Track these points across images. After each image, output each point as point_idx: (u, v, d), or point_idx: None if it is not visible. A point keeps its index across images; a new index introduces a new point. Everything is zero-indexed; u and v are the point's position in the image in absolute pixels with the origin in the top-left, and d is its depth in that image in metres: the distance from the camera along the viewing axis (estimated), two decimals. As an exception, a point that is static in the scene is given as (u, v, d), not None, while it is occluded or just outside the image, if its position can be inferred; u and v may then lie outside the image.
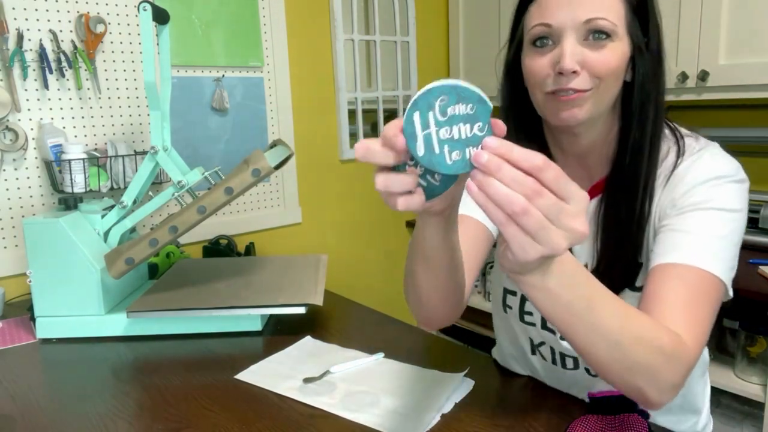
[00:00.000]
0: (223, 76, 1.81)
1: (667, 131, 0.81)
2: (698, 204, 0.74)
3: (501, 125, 0.48)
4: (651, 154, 0.78)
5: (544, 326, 0.91)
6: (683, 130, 0.83)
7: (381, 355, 1.07)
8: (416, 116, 0.47)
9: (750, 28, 1.55)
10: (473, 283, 0.87)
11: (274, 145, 1.26)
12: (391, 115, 2.32)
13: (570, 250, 0.80)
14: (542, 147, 0.86)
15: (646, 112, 0.77)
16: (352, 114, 2.16)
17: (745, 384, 1.59)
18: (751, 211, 1.71)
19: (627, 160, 0.79)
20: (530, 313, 0.92)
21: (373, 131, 2.27)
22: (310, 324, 1.24)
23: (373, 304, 1.39)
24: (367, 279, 2.28)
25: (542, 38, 0.75)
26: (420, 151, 0.48)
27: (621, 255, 0.80)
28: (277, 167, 1.19)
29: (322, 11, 2.05)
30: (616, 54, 0.73)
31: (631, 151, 0.78)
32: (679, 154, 0.79)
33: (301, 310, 1.17)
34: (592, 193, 0.84)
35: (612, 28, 0.72)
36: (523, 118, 0.85)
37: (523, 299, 0.93)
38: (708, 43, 1.62)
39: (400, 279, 2.71)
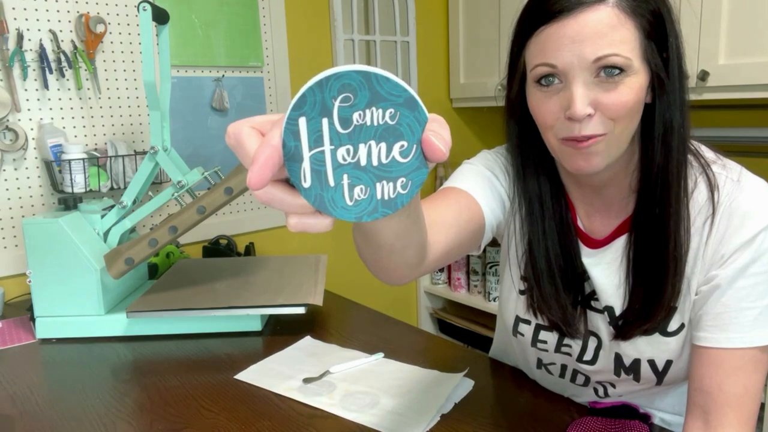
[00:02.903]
0: (223, 76, 1.81)
1: (690, 157, 0.73)
2: (751, 268, 0.67)
3: (438, 152, 0.32)
4: (679, 185, 0.70)
5: (557, 350, 0.85)
6: (707, 154, 0.75)
7: (381, 355, 1.07)
8: (302, 123, 0.30)
9: (750, 28, 1.55)
10: (445, 248, 0.71)
11: (274, 145, 1.25)
12: (391, 115, 2.32)
13: (594, 293, 0.79)
14: (554, 179, 0.79)
15: (669, 140, 0.70)
16: (352, 114, 2.16)
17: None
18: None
19: (654, 192, 0.71)
20: (544, 341, 0.86)
21: (373, 131, 2.27)
22: (310, 324, 1.24)
23: (373, 304, 1.39)
24: (367, 279, 2.28)
25: (548, 76, 0.67)
26: (305, 181, 0.31)
27: (655, 299, 0.73)
28: (277, 167, 1.19)
29: (322, 11, 2.05)
30: (632, 90, 0.65)
31: (657, 183, 0.70)
32: (712, 187, 0.70)
33: (301, 310, 1.17)
34: (619, 231, 0.77)
35: (626, 63, 0.64)
36: (533, 152, 0.77)
37: (538, 328, 0.85)
38: (708, 43, 1.62)
39: (400, 279, 2.64)
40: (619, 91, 0.64)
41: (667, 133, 0.69)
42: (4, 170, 1.47)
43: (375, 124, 0.30)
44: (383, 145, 0.30)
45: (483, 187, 0.81)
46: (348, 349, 1.11)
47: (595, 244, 0.78)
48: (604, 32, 0.63)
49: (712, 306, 0.69)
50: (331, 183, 0.31)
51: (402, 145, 0.30)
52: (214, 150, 1.83)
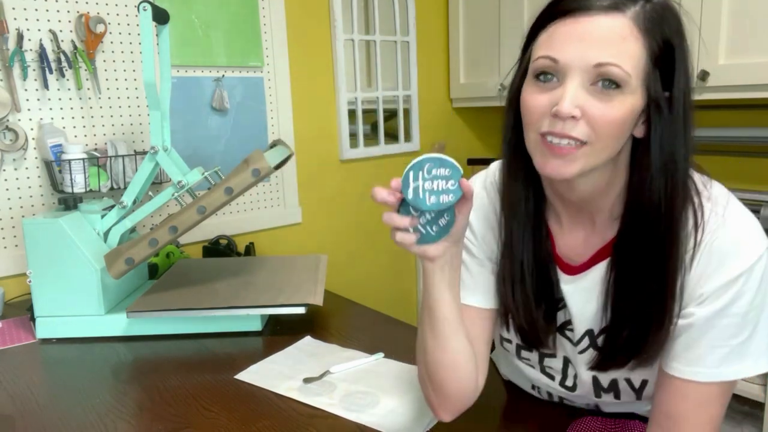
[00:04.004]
0: (223, 76, 1.81)
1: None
2: (728, 309, 0.65)
3: (467, 185, 0.65)
4: (678, 225, 0.67)
5: (542, 371, 0.85)
6: (696, 180, 0.70)
7: (381, 355, 1.07)
8: (411, 174, 0.65)
9: (750, 28, 1.55)
10: (486, 369, 0.80)
11: (274, 145, 1.26)
12: (391, 115, 2.32)
13: (569, 322, 0.77)
14: (539, 191, 0.77)
15: (663, 177, 0.66)
16: (352, 114, 2.16)
17: (745, 384, 1.59)
18: (751, 211, 1.71)
19: (645, 227, 0.68)
20: (527, 359, 0.86)
21: (373, 131, 2.27)
22: (310, 324, 1.24)
23: (373, 304, 1.39)
24: (367, 279, 2.28)
25: (546, 73, 0.66)
26: (410, 195, 0.65)
27: (635, 330, 0.71)
28: (277, 167, 1.19)
29: (322, 11, 2.05)
30: (622, 108, 0.63)
31: (641, 216, 0.68)
32: (696, 224, 0.67)
33: (301, 310, 1.17)
34: (599, 256, 0.74)
35: (624, 79, 0.62)
36: (521, 158, 0.74)
37: (518, 348, 0.85)
38: (708, 43, 1.62)
39: (400, 279, 2.73)
40: (609, 105, 0.63)
41: (666, 169, 0.66)
42: (4, 170, 1.47)
43: (441, 174, 0.65)
44: (443, 182, 0.65)
45: (483, 281, 0.81)
46: (348, 349, 1.11)
47: (573, 270, 0.77)
48: (613, 40, 0.62)
49: (684, 339, 0.68)
50: (420, 196, 0.65)
51: (451, 182, 0.65)
52: (214, 150, 1.83)
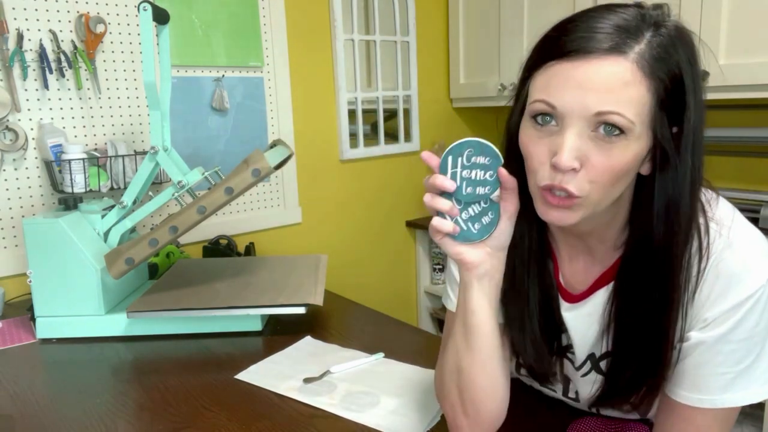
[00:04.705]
0: (223, 76, 1.81)
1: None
2: (732, 335, 0.64)
3: (505, 175, 0.63)
4: (680, 265, 0.64)
5: (542, 385, 0.85)
6: (703, 199, 0.67)
7: (381, 355, 1.07)
8: (449, 158, 0.63)
9: (750, 28, 1.55)
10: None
11: (274, 145, 1.26)
12: (391, 115, 2.32)
13: (570, 346, 0.76)
14: (541, 225, 0.74)
15: (672, 218, 0.63)
16: (352, 114, 2.16)
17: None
18: (751, 211, 1.71)
19: (639, 256, 0.66)
20: (527, 375, 0.84)
21: (373, 131, 2.27)
22: (310, 324, 1.24)
23: (373, 304, 1.39)
24: (367, 279, 2.28)
25: (545, 115, 0.62)
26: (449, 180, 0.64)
27: (638, 355, 0.69)
28: (277, 167, 1.19)
29: (322, 11, 2.05)
30: (626, 155, 0.60)
31: (643, 248, 0.66)
32: (701, 250, 0.65)
33: (301, 310, 1.17)
34: (600, 282, 0.73)
35: (627, 126, 0.58)
36: (520, 195, 0.69)
37: (518, 365, 0.83)
38: (708, 43, 1.61)
39: (400, 279, 2.72)
40: (611, 154, 0.59)
41: (670, 211, 0.63)
42: (4, 170, 1.47)
43: (480, 162, 0.63)
44: (482, 172, 0.64)
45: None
46: (348, 349, 1.11)
47: (574, 298, 0.75)
48: (614, 87, 0.58)
49: (686, 364, 0.66)
50: (458, 183, 0.64)
51: (490, 173, 0.63)
52: (214, 150, 1.83)
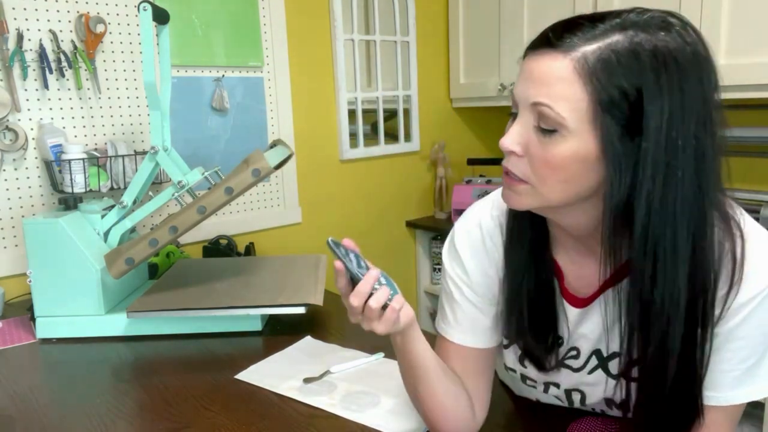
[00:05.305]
0: (223, 76, 1.81)
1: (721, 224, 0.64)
2: (739, 331, 0.65)
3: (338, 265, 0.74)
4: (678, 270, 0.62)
5: (545, 391, 0.85)
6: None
7: (381, 355, 1.07)
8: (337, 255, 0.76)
9: (750, 28, 1.55)
10: (487, 400, 0.82)
11: (274, 145, 1.26)
12: (391, 115, 2.32)
13: (570, 347, 0.77)
14: (543, 226, 0.75)
15: (655, 231, 0.61)
16: (352, 114, 2.16)
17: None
18: (751, 211, 1.71)
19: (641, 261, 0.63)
20: (533, 382, 0.84)
21: (373, 131, 2.27)
22: (310, 324, 1.24)
23: (373, 304, 1.39)
24: (367, 279, 2.28)
25: (513, 107, 0.66)
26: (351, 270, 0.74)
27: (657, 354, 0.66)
28: (277, 167, 1.19)
29: (322, 11, 2.05)
30: (561, 150, 0.60)
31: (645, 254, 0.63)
32: (733, 275, 0.64)
33: (301, 310, 1.17)
34: (608, 283, 0.71)
35: (557, 121, 0.59)
36: None
37: (523, 377, 0.84)
38: (708, 43, 1.62)
39: (400, 279, 2.73)
40: (546, 147, 0.61)
41: (657, 222, 0.60)
42: (4, 170, 1.47)
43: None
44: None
45: (476, 321, 0.80)
46: (348, 349, 1.11)
47: (580, 302, 0.75)
48: (549, 81, 0.60)
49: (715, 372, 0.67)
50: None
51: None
52: (214, 150, 1.83)
